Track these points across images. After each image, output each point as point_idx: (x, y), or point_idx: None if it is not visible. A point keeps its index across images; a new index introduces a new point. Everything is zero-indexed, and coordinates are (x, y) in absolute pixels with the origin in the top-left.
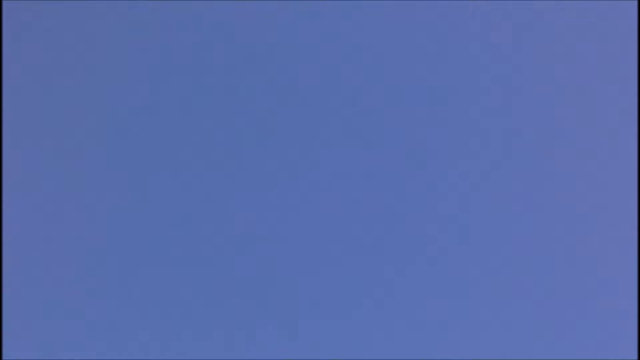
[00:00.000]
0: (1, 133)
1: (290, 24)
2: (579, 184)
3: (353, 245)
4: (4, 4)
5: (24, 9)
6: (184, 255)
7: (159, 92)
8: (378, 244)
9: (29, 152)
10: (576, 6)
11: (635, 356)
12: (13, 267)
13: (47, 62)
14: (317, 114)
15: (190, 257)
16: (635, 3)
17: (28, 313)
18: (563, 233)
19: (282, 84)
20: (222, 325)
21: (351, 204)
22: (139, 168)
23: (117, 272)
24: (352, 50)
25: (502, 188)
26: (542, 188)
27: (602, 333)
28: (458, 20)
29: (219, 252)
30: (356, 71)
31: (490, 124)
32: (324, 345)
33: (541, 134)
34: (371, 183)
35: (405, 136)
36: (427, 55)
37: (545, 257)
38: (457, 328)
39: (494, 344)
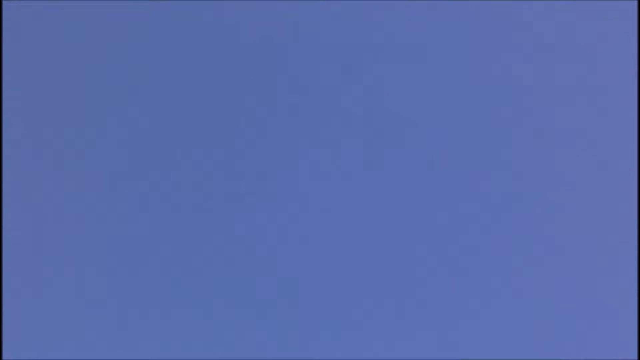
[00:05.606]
0: (1, 133)
1: (289, 23)
2: (579, 184)
3: (351, 246)
4: (4, 4)
5: (24, 9)
6: (182, 255)
7: (158, 91)
8: (376, 246)
9: (29, 151)
10: (576, 6)
11: (636, 356)
12: (13, 267)
13: (47, 62)
14: (316, 114)
15: (188, 257)
16: (635, 3)
17: (28, 313)
18: (563, 233)
19: (281, 84)
20: (221, 325)
21: (350, 205)
22: (138, 168)
23: (115, 272)
24: (351, 50)
25: (502, 188)
26: (542, 188)
27: (602, 333)
28: (457, 20)
29: (218, 252)
30: (355, 71)
31: (489, 124)
32: (322, 345)
33: (541, 134)
34: (370, 183)
35: (405, 137)
36: (426, 56)
37: (546, 257)
38: (457, 328)
39: (494, 344)
